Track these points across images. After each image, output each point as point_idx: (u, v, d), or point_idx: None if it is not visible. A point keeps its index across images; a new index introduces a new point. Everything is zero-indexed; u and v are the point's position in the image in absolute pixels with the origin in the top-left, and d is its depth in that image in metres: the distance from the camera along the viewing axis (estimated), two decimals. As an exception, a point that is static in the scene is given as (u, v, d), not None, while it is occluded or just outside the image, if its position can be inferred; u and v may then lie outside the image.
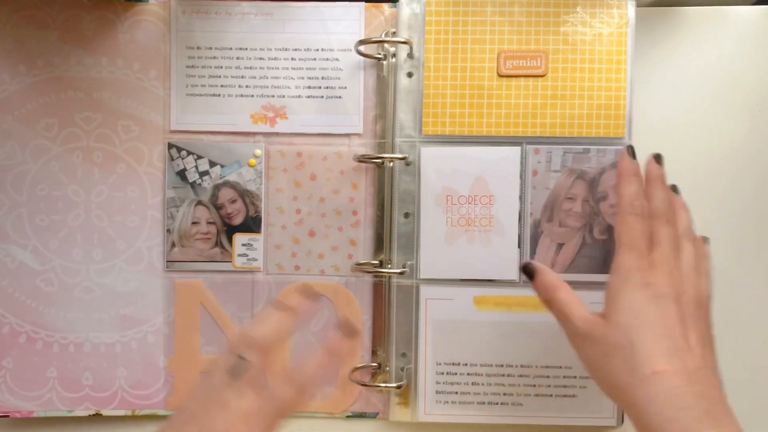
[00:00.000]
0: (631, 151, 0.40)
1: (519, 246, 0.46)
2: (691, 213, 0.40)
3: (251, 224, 0.47)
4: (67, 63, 0.46)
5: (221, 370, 0.33)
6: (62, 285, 0.47)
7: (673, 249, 0.37)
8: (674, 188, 0.41)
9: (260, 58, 0.47)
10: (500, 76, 0.45)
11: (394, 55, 0.46)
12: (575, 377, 0.46)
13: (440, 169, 0.46)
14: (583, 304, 0.37)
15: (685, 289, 0.36)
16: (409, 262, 0.46)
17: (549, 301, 0.38)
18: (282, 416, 0.34)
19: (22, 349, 0.47)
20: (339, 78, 0.47)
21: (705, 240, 0.40)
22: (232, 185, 0.47)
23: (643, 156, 0.46)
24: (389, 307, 0.46)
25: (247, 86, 0.47)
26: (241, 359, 0.33)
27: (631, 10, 0.45)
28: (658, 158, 0.40)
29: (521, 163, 0.46)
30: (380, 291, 0.47)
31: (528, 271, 0.39)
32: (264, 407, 0.33)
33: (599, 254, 0.45)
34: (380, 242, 0.47)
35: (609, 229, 0.45)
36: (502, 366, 0.46)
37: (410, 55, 0.46)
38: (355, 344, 0.42)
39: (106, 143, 0.47)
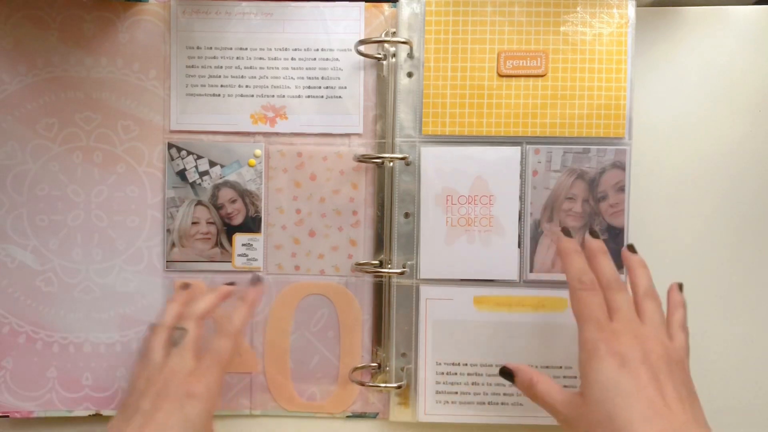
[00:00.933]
0: (566, 232, 0.42)
1: (519, 246, 0.46)
2: (649, 270, 0.40)
3: (251, 224, 0.47)
4: (67, 63, 0.46)
5: (160, 346, 0.39)
6: (62, 285, 0.47)
7: (632, 312, 0.37)
8: (631, 248, 0.41)
9: (260, 58, 0.47)
10: (500, 76, 0.45)
11: (394, 55, 0.46)
12: (575, 377, 0.46)
13: (440, 169, 0.46)
14: (560, 390, 0.38)
15: (653, 348, 0.35)
16: (409, 262, 0.46)
17: (532, 395, 0.39)
18: (223, 365, 0.39)
19: (22, 349, 0.47)
20: (339, 78, 0.47)
21: (679, 287, 0.41)
22: (232, 185, 0.47)
23: (643, 157, 0.47)
24: (389, 307, 0.46)
25: (247, 86, 0.47)
26: (181, 329, 0.39)
27: (631, 10, 0.45)
28: (594, 234, 0.41)
29: (521, 163, 0.46)
30: (380, 291, 0.47)
31: (506, 374, 0.41)
32: (206, 362, 0.39)
33: (599, 254, 0.45)
34: (380, 242, 0.47)
35: (609, 229, 0.45)
36: (502, 366, 0.46)
37: (410, 55, 0.46)
38: (260, 289, 0.45)
39: (106, 143, 0.47)
